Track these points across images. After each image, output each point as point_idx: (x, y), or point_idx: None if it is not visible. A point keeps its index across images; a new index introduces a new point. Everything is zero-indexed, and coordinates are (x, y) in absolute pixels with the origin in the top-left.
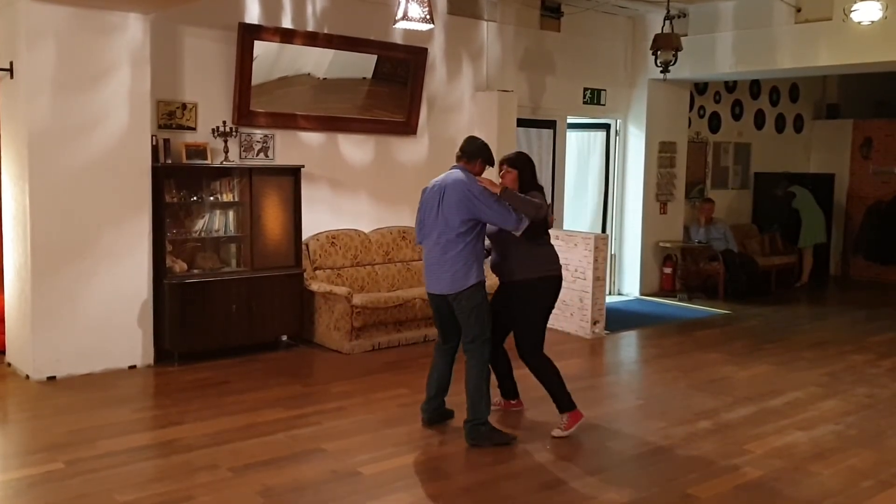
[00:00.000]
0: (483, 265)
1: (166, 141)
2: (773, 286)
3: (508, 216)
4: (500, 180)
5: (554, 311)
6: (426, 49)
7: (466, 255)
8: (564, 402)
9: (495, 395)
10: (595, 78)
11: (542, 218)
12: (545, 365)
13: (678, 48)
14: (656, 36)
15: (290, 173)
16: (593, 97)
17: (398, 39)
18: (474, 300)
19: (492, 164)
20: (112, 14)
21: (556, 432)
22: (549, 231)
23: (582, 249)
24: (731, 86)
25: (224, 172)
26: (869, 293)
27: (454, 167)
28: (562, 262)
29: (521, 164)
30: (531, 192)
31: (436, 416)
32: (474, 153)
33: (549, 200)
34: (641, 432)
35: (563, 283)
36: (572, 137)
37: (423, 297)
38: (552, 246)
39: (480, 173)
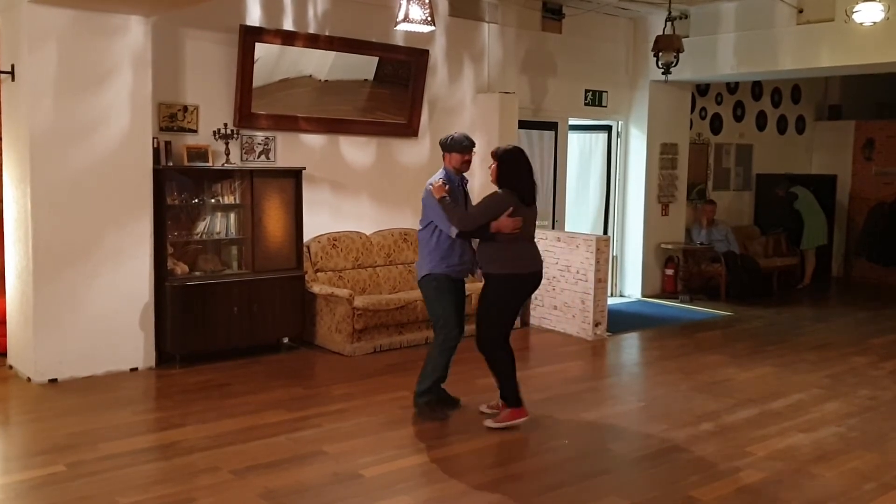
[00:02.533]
0: (443, 260)
1: (168, 143)
2: (774, 288)
3: (444, 220)
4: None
5: (556, 312)
6: (427, 51)
7: (423, 247)
8: (511, 398)
9: (494, 399)
10: (596, 79)
11: (471, 230)
12: (500, 359)
13: (680, 49)
14: (658, 37)
15: (292, 175)
16: (595, 99)
17: (399, 41)
18: (426, 289)
19: (461, 151)
20: (114, 17)
21: (489, 423)
22: (536, 230)
23: (583, 251)
24: (732, 87)
25: (225, 174)
26: (871, 295)
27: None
28: (564, 263)
29: (502, 157)
30: (493, 193)
31: (436, 400)
32: (444, 148)
33: (540, 200)
34: (643, 434)
35: (565, 285)
36: (574, 139)
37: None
38: (531, 243)
39: (456, 164)
